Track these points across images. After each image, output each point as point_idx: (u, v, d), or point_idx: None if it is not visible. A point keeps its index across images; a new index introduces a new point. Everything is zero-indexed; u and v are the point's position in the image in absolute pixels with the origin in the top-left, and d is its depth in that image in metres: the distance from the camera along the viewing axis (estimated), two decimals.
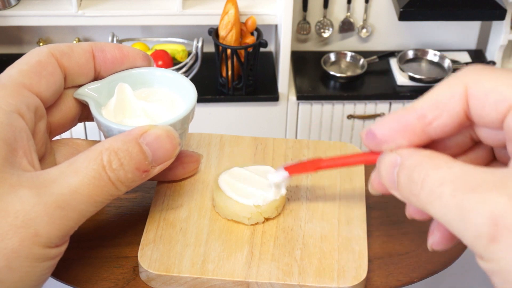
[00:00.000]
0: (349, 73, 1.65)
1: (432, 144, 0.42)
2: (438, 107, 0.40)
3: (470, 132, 0.43)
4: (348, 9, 1.68)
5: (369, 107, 1.63)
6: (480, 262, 0.36)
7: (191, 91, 0.52)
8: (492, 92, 0.38)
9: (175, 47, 1.61)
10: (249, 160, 0.59)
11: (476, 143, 0.43)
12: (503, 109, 0.38)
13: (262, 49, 1.55)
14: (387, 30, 1.72)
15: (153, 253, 0.51)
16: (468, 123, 0.40)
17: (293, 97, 1.61)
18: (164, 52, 1.57)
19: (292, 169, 0.51)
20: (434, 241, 0.44)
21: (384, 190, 0.43)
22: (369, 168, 0.59)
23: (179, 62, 1.60)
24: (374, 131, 0.42)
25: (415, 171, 0.39)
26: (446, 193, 0.36)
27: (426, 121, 0.40)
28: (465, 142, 0.44)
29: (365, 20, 1.70)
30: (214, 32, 1.51)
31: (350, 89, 1.62)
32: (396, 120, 0.41)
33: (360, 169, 0.59)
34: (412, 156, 0.40)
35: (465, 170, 0.37)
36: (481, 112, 0.39)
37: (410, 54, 1.69)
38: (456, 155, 0.44)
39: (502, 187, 0.34)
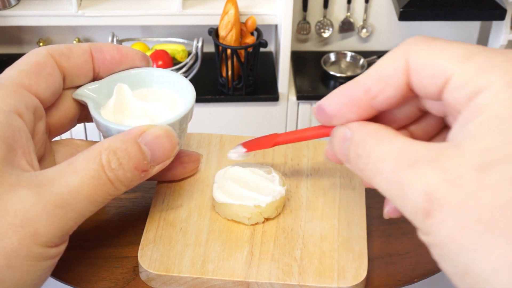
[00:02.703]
0: (349, 73, 1.65)
1: (381, 116, 0.43)
2: (382, 80, 0.40)
3: (417, 103, 0.43)
4: (348, 9, 1.68)
5: None
6: (419, 234, 0.36)
7: (190, 91, 0.52)
8: (430, 65, 0.38)
9: (175, 47, 1.61)
10: (249, 160, 0.59)
11: (426, 112, 0.44)
12: (440, 82, 0.38)
13: (262, 49, 1.55)
14: (387, 30, 1.72)
15: (153, 253, 0.51)
16: (412, 95, 0.41)
17: (293, 97, 1.61)
18: (164, 52, 1.57)
19: (250, 146, 0.52)
20: (389, 209, 0.45)
21: (338, 161, 0.43)
22: None
23: (179, 62, 1.60)
24: (323, 106, 0.43)
25: (360, 146, 0.40)
26: (387, 169, 0.37)
27: (371, 95, 0.41)
28: (413, 113, 0.44)
29: (365, 20, 1.70)
30: (214, 32, 1.52)
31: None
32: (343, 95, 0.42)
33: None
34: (360, 131, 0.41)
35: (405, 145, 0.37)
36: (421, 85, 0.39)
37: None
38: (406, 125, 0.45)
39: (436, 162, 0.35)
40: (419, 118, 0.45)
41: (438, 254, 0.35)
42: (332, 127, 0.44)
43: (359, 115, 0.42)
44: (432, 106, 0.42)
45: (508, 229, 0.32)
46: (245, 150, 0.52)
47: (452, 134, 0.37)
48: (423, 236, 0.36)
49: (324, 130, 0.45)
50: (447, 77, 0.37)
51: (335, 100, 0.42)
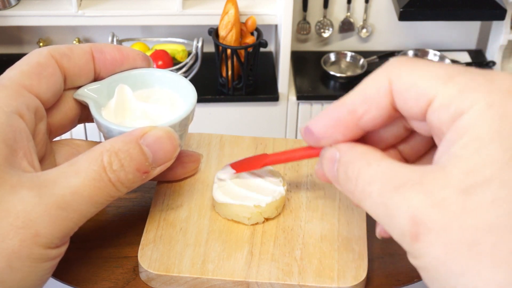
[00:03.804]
0: (349, 73, 1.65)
1: (369, 136, 0.44)
2: (366, 101, 0.41)
3: (404, 122, 0.43)
4: (348, 9, 1.68)
5: None
6: (409, 258, 0.37)
7: (191, 92, 0.52)
8: (412, 86, 0.38)
9: (175, 47, 1.61)
10: None
11: (414, 131, 0.44)
12: (423, 103, 0.38)
13: (262, 49, 1.55)
14: (387, 30, 1.72)
15: (153, 253, 0.51)
16: (397, 115, 0.41)
17: (293, 97, 1.61)
18: (164, 52, 1.57)
19: (239, 167, 0.53)
20: (381, 229, 0.46)
21: (327, 180, 0.44)
22: None
23: (179, 62, 1.60)
24: (310, 128, 0.43)
25: (349, 168, 0.40)
26: (374, 192, 0.37)
27: (356, 116, 0.41)
28: (401, 132, 0.44)
29: (365, 20, 1.70)
30: (214, 32, 1.52)
31: (350, 89, 1.60)
32: (329, 116, 0.42)
33: None
34: (348, 153, 0.41)
35: (391, 168, 0.38)
36: (405, 106, 0.39)
37: (410, 54, 1.69)
38: (395, 144, 0.45)
39: (421, 185, 0.35)
40: (408, 137, 0.45)
41: (427, 277, 0.35)
42: (321, 148, 0.44)
43: (346, 136, 0.42)
44: (418, 126, 0.42)
45: (493, 251, 0.32)
46: (233, 171, 0.53)
47: (437, 156, 0.37)
48: (412, 260, 0.36)
49: (313, 151, 0.46)
50: (430, 98, 0.37)
51: (322, 122, 0.43)
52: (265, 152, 0.60)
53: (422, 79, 0.38)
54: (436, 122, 0.37)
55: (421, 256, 0.35)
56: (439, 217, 0.34)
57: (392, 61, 0.40)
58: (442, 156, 0.37)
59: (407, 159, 0.46)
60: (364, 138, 0.43)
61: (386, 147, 0.45)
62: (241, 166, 0.53)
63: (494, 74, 0.37)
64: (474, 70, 0.38)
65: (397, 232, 0.36)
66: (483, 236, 0.33)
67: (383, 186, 0.37)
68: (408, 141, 0.45)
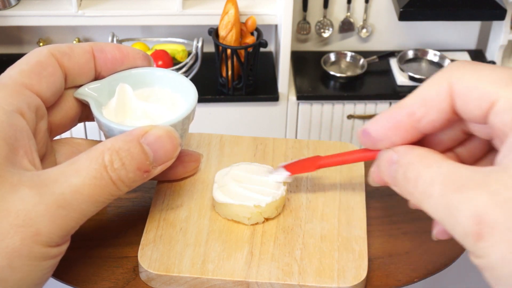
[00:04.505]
0: (349, 73, 1.65)
1: (426, 139, 0.44)
2: (426, 104, 0.41)
3: (462, 126, 0.44)
4: (348, 9, 1.68)
5: (369, 107, 1.63)
6: (471, 257, 0.37)
7: (192, 91, 0.52)
8: (474, 89, 0.39)
9: (175, 47, 1.61)
10: (249, 160, 0.59)
11: (472, 134, 0.44)
12: (485, 106, 0.38)
13: (262, 49, 1.55)
14: (387, 30, 1.72)
15: (153, 253, 0.51)
16: (456, 118, 0.41)
17: (293, 97, 1.61)
18: (164, 52, 1.57)
19: (293, 169, 0.53)
20: (438, 230, 0.46)
21: (383, 183, 0.44)
22: (369, 166, 0.59)
23: (179, 62, 1.60)
24: (368, 130, 0.44)
25: (409, 170, 0.40)
26: (436, 193, 0.38)
27: (415, 119, 0.41)
28: (459, 135, 0.45)
29: (365, 20, 1.70)
30: (214, 32, 1.52)
31: (350, 89, 1.62)
32: (387, 119, 0.43)
33: (360, 169, 0.59)
34: (407, 155, 0.41)
35: (452, 169, 0.38)
36: (466, 109, 0.40)
37: (410, 54, 1.69)
38: (452, 147, 0.46)
39: (484, 186, 0.36)
40: (465, 140, 0.46)
41: (491, 277, 0.36)
42: (376, 150, 0.44)
43: (404, 139, 0.42)
44: (477, 129, 0.42)
45: None
46: (288, 173, 0.53)
47: (500, 157, 0.38)
48: (475, 260, 0.36)
49: (368, 154, 0.46)
50: (493, 100, 0.38)
51: (380, 124, 0.43)
52: (266, 152, 0.60)
53: (484, 81, 0.38)
54: (499, 124, 0.38)
55: (484, 255, 0.35)
56: (503, 216, 0.34)
57: (452, 64, 0.41)
58: (505, 157, 0.37)
59: (464, 163, 0.46)
60: (422, 141, 0.44)
61: (444, 150, 0.45)
62: (295, 168, 0.53)
63: None
64: None
65: (460, 232, 0.36)
66: None
67: (444, 187, 0.37)
68: (465, 144, 0.46)
